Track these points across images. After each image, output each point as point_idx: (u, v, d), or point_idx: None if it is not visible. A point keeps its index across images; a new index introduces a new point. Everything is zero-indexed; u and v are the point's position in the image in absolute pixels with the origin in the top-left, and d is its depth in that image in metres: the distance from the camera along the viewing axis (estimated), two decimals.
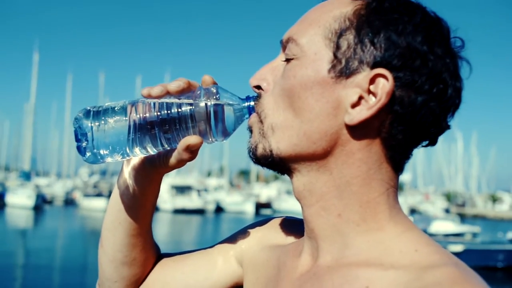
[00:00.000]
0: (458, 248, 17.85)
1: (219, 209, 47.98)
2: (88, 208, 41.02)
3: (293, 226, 1.00)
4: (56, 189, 52.63)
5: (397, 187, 0.82)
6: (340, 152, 0.79)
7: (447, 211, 46.02)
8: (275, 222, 1.04)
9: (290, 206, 48.83)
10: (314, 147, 0.79)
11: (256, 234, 1.03)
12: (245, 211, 47.13)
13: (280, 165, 0.83)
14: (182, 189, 46.65)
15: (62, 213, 40.80)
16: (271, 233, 1.01)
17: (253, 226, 1.06)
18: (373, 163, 0.79)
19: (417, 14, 0.78)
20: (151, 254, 1.06)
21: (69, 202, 48.46)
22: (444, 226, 26.07)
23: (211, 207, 46.79)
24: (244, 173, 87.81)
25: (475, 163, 74.35)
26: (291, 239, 0.97)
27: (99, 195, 43.60)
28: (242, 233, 1.06)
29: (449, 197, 62.89)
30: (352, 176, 0.79)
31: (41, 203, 42.32)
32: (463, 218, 42.14)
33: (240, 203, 49.16)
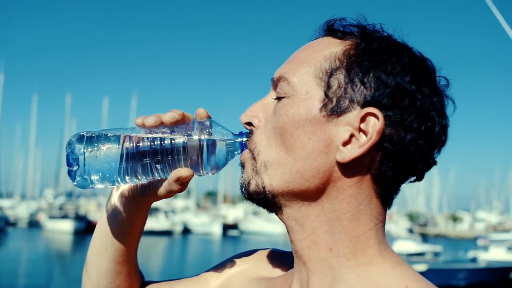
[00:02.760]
0: (422, 267, 18.18)
1: (186, 231, 47.78)
2: (53, 230, 40.36)
3: (280, 258, 1.01)
4: (20, 211, 51.59)
5: (385, 222, 0.84)
6: (332, 188, 0.80)
7: (410, 231, 46.87)
8: (262, 254, 1.04)
9: (257, 227, 49.21)
10: (306, 184, 0.80)
11: (242, 265, 1.03)
12: (213, 232, 47.09)
13: (271, 201, 0.84)
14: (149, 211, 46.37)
15: (26, 235, 40.03)
16: (258, 265, 1.01)
17: (239, 257, 1.05)
18: (363, 199, 0.81)
19: (404, 55, 0.81)
20: (136, 282, 1.07)
21: (34, 224, 47.49)
22: (406, 246, 26.70)
23: (178, 228, 46.54)
24: (211, 194, 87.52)
25: (436, 183, 75.76)
26: (278, 272, 0.97)
27: (64, 217, 42.74)
28: (228, 264, 1.05)
29: (411, 217, 63.84)
30: (343, 211, 0.80)
31: (4, 225, 41.30)
32: (425, 237, 42.98)
33: (207, 224, 49.10)
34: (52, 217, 43.65)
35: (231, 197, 78.60)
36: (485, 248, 25.12)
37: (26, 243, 34.21)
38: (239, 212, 57.37)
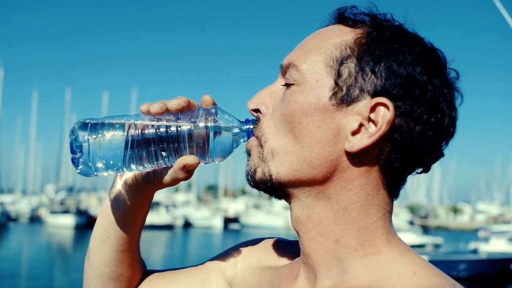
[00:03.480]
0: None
1: (187, 224, 47.85)
2: (54, 225, 40.42)
3: (285, 247, 1.00)
4: (21, 206, 51.61)
5: (392, 212, 0.84)
6: (339, 178, 0.80)
7: (411, 223, 46.95)
8: (267, 243, 1.03)
9: (258, 220, 49.20)
10: (314, 173, 0.80)
11: (247, 254, 1.02)
12: (214, 226, 47.15)
13: (278, 190, 0.84)
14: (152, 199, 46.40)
15: (27, 230, 40.09)
16: (263, 254, 1.01)
17: (244, 245, 1.04)
18: (371, 189, 0.80)
19: (416, 45, 0.80)
20: (138, 270, 1.06)
21: (35, 219, 47.51)
22: (407, 238, 26.75)
23: (179, 222, 46.58)
24: (212, 188, 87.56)
25: (437, 175, 75.65)
26: (283, 261, 0.96)
27: (65, 212, 42.82)
28: (233, 252, 1.04)
29: (412, 209, 63.85)
30: (351, 202, 0.80)
31: (5, 221, 41.51)
32: (426, 229, 43.04)
33: (208, 218, 49.13)
34: (53, 212, 43.70)
35: (232, 191, 78.72)
36: (486, 239, 25.17)
37: (27, 238, 34.26)
38: (240, 205, 57.32)
